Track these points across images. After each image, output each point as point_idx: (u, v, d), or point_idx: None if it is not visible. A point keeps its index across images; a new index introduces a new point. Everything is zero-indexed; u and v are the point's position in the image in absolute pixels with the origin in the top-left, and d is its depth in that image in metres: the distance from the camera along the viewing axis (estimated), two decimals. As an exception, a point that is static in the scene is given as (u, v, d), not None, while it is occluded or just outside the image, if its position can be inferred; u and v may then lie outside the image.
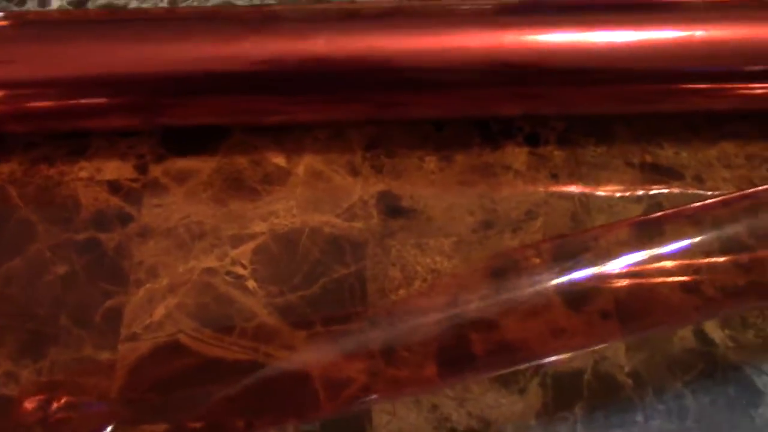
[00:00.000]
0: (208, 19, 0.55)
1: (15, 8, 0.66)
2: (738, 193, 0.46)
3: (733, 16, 0.54)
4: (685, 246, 0.45)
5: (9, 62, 0.53)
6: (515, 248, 0.48)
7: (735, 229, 0.45)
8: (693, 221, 0.46)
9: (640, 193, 0.54)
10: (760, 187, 0.46)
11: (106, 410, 0.45)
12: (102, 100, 0.54)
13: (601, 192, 0.54)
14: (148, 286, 0.50)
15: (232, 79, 0.53)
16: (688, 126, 0.57)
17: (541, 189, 0.54)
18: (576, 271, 0.45)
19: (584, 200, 0.53)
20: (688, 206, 0.47)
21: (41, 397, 0.45)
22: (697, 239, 0.45)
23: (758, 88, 0.54)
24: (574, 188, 0.54)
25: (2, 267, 0.51)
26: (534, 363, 0.45)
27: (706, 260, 0.45)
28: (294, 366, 0.45)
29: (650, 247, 0.45)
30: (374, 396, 0.42)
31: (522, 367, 0.45)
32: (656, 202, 0.53)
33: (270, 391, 0.44)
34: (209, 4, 0.67)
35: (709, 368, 0.46)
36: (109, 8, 0.65)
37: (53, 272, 0.50)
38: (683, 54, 0.52)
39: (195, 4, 0.67)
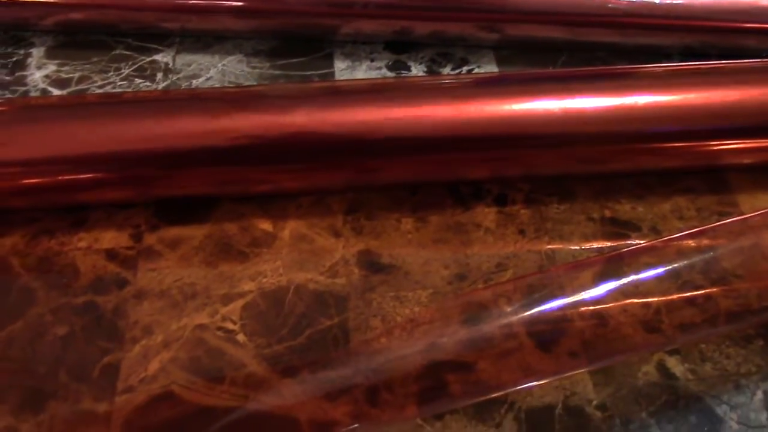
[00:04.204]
0: (197, 99, 0.60)
1: (19, 98, 0.71)
2: (687, 233, 0.50)
3: (675, 83, 0.59)
4: (645, 282, 0.48)
5: (12, 143, 0.57)
6: (486, 290, 0.51)
7: (688, 271, 0.49)
8: (648, 263, 0.50)
9: (601, 244, 0.58)
10: (708, 227, 0.51)
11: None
12: (99, 176, 0.58)
13: (565, 245, 0.58)
14: (143, 342, 0.53)
15: (221, 152, 0.57)
16: (642, 184, 0.62)
17: (510, 244, 0.58)
18: (544, 313, 0.48)
19: (550, 253, 0.58)
20: (645, 246, 0.51)
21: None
22: (654, 280, 0.49)
23: (703, 146, 0.59)
24: (540, 242, 0.58)
25: (5, 330, 0.53)
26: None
27: (664, 299, 0.48)
28: (282, 411, 0.47)
29: (612, 287, 0.48)
30: (357, 428, 0.45)
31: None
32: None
33: (260, 435, 0.47)
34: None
35: (672, 399, 0.49)
36: (104, 93, 0.71)
37: (53, 333, 0.53)
38: (631, 117, 0.58)
39: (186, 91, 0.72)
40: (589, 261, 0.50)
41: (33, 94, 0.72)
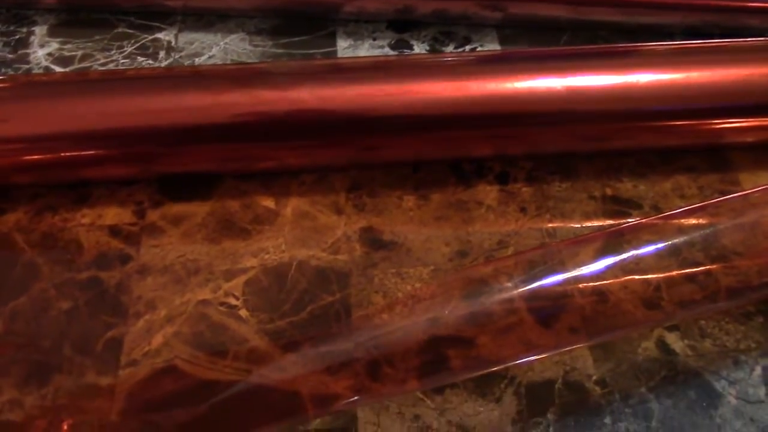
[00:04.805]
0: (200, 75, 0.60)
1: (22, 75, 0.71)
2: (688, 208, 0.51)
3: (677, 61, 0.59)
4: (645, 259, 0.49)
5: (15, 119, 0.57)
6: (487, 266, 0.51)
7: (688, 248, 0.49)
8: (648, 240, 0.50)
9: (603, 222, 0.58)
10: (709, 202, 0.51)
11: (108, 430, 0.47)
12: (102, 152, 0.58)
13: (566, 222, 0.58)
14: (146, 317, 0.53)
15: (223, 129, 0.57)
16: (644, 162, 0.62)
17: (511, 221, 0.58)
18: (545, 289, 0.48)
19: (551, 230, 0.58)
20: (645, 222, 0.51)
21: (45, 420, 0.48)
22: (654, 257, 0.49)
23: (705, 125, 0.59)
24: (541, 220, 0.59)
25: (9, 305, 0.54)
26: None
27: (665, 275, 0.48)
28: (284, 384, 0.48)
29: (612, 264, 0.49)
30: (358, 401, 0.46)
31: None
32: (618, 230, 0.57)
33: (262, 408, 0.47)
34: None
35: (671, 375, 0.50)
36: (107, 70, 0.71)
37: (57, 308, 0.54)
38: (633, 95, 0.57)
39: (188, 69, 0.72)
40: (590, 237, 0.50)
41: (36, 71, 0.72)
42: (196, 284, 0.55)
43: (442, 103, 0.58)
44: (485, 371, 0.48)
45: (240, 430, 0.47)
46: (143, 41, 0.75)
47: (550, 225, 0.58)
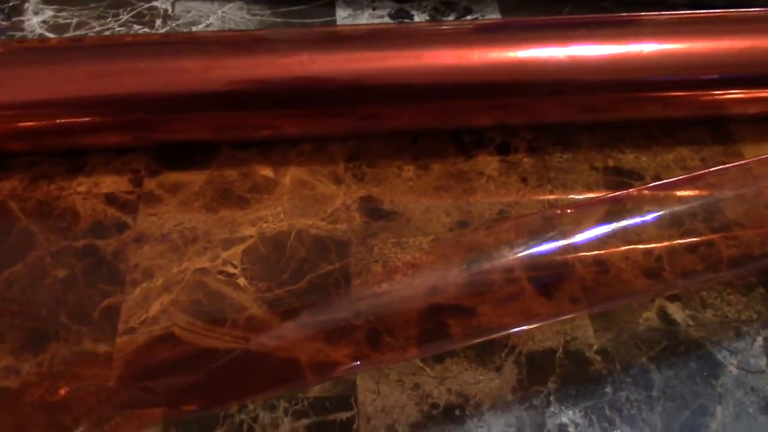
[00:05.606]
0: (198, 43, 0.59)
1: (16, 43, 0.70)
2: (690, 175, 0.50)
3: (680, 31, 0.58)
4: (647, 229, 0.48)
5: (9, 85, 0.56)
6: (488, 235, 0.51)
7: (690, 219, 0.49)
8: (650, 211, 0.50)
9: (604, 193, 0.58)
10: (710, 170, 0.51)
11: (105, 396, 0.47)
12: (98, 119, 0.57)
13: (567, 193, 0.58)
14: (144, 285, 0.53)
15: (221, 97, 0.56)
16: (646, 134, 0.61)
17: (512, 192, 0.58)
18: (546, 260, 0.48)
19: (552, 201, 0.57)
20: (648, 193, 0.50)
21: (42, 386, 0.48)
22: (656, 227, 0.49)
23: (708, 95, 0.59)
24: (542, 190, 0.58)
25: (4, 272, 0.53)
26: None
27: (666, 245, 0.48)
28: (283, 352, 0.47)
29: (614, 234, 0.48)
30: (357, 367, 0.45)
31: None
32: (619, 201, 0.57)
33: (261, 375, 0.47)
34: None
35: (672, 344, 0.50)
36: (103, 36, 0.70)
37: (53, 276, 0.53)
38: (636, 65, 0.57)
39: (185, 37, 0.71)
40: (591, 205, 0.50)
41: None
42: (194, 253, 0.54)
43: (443, 71, 0.57)
44: (486, 338, 0.47)
45: (238, 397, 0.47)
46: (139, 9, 0.74)
47: (551, 196, 0.58)
